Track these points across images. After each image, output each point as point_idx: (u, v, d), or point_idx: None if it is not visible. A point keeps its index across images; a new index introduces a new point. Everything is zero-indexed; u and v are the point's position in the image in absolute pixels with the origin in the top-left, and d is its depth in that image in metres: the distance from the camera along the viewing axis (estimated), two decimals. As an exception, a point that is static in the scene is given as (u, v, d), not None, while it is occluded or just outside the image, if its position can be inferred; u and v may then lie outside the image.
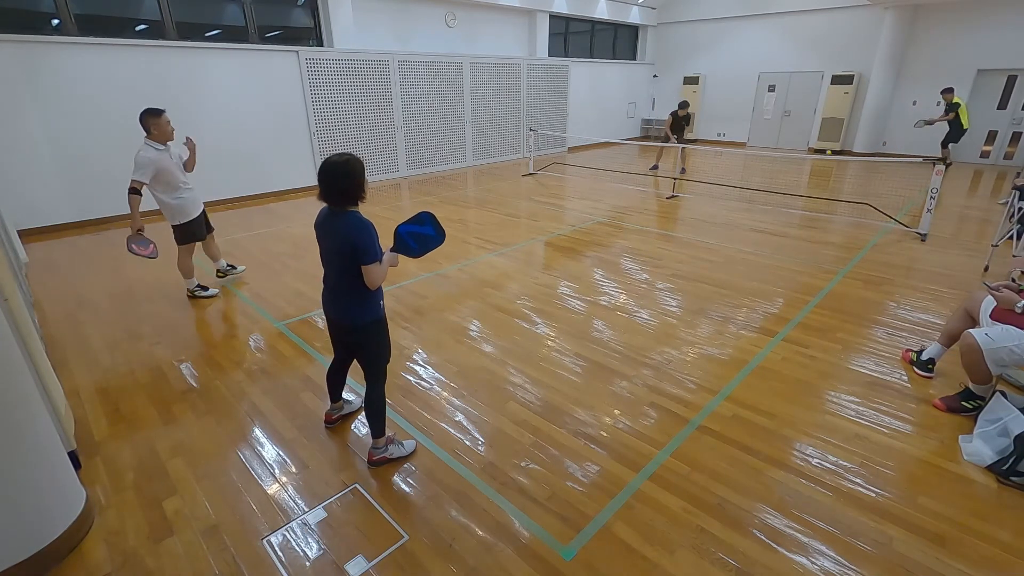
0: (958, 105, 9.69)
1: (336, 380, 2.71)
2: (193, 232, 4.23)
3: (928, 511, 2.18)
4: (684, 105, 10.30)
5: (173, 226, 4.21)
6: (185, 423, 2.78)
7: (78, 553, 2.01)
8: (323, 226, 2.25)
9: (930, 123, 9.97)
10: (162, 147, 4.06)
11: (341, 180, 2.16)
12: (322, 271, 2.35)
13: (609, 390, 3.05)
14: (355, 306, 2.28)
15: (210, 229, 4.50)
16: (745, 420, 2.76)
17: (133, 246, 4.01)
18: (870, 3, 11.38)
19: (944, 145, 10.11)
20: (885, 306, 4.19)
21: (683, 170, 10.41)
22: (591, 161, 12.00)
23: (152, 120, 3.97)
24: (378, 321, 2.34)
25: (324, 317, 2.67)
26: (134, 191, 3.89)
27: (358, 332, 2.33)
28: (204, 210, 4.34)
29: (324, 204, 2.22)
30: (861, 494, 2.27)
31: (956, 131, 9.93)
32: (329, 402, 2.77)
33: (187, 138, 4.35)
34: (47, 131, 6.26)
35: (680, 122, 10.30)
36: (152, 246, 4.08)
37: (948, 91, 9.91)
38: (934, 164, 5.75)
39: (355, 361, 2.54)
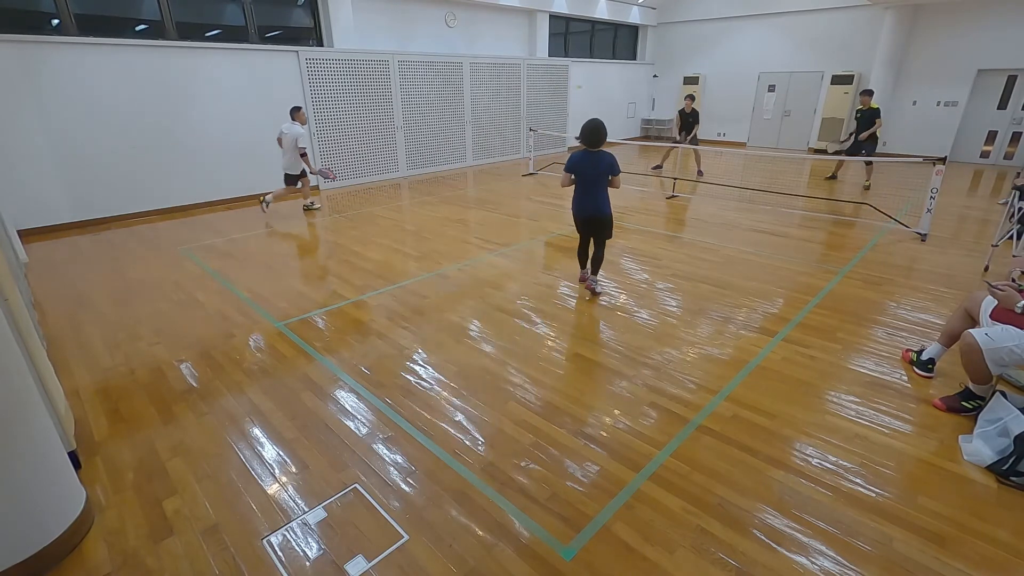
0: (879, 112, 8.35)
1: (585, 253, 4.42)
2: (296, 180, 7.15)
3: (928, 511, 2.18)
4: (689, 98, 9.76)
5: (289, 175, 7.07)
6: (185, 423, 2.78)
7: (78, 553, 2.00)
8: (584, 160, 3.99)
9: (843, 141, 8.75)
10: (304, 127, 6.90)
11: (601, 132, 3.91)
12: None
13: (609, 390, 3.05)
14: (605, 204, 4.08)
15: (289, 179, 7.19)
16: (745, 420, 2.76)
17: (325, 171, 7.31)
18: (870, 3, 11.39)
19: (868, 162, 8.47)
20: (885, 306, 4.19)
21: (700, 172, 10.12)
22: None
23: (299, 113, 6.86)
24: (611, 214, 4.14)
25: (573, 219, 4.29)
26: (304, 152, 6.87)
27: (604, 218, 4.11)
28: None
29: (582, 148, 3.99)
30: (861, 494, 2.27)
31: (873, 142, 8.51)
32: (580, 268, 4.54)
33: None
34: (47, 131, 6.26)
35: (687, 119, 9.80)
36: (332, 172, 7.38)
37: (868, 93, 8.45)
38: (934, 164, 5.75)
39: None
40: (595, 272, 4.32)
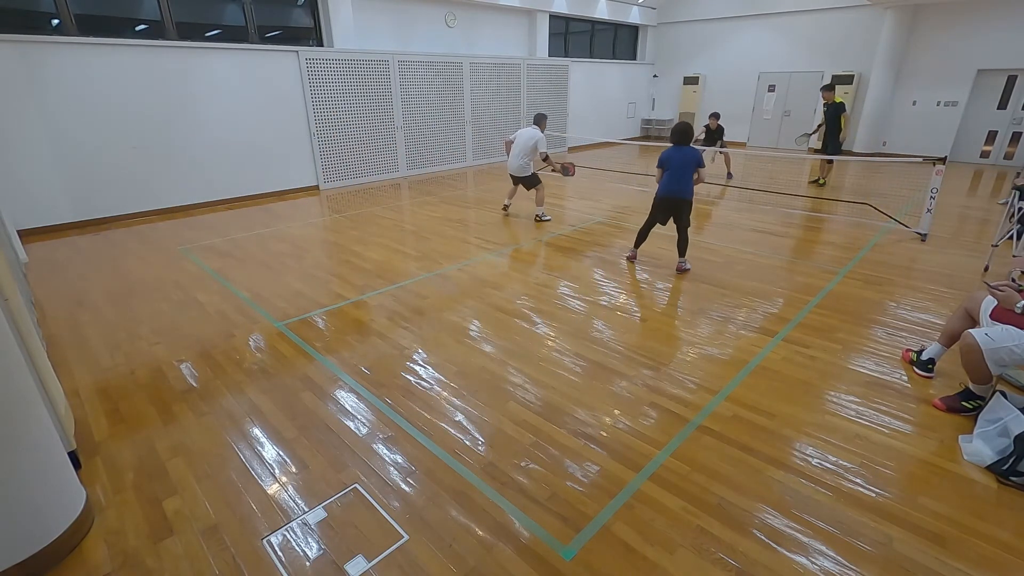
0: (843, 106, 8.15)
1: (645, 236, 5.16)
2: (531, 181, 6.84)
3: (928, 511, 2.18)
4: (714, 116, 9.58)
5: (533, 175, 6.82)
6: (185, 423, 2.78)
7: (78, 553, 2.00)
8: (676, 153, 4.74)
9: (811, 135, 8.77)
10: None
11: (688, 133, 4.79)
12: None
13: (609, 390, 3.05)
14: (689, 190, 4.76)
15: (521, 182, 6.93)
16: (745, 420, 2.76)
17: (569, 167, 6.98)
18: (870, 3, 11.39)
19: (829, 160, 8.50)
20: (885, 306, 4.19)
21: (730, 175, 10.02)
22: (591, 161, 12.01)
23: (544, 120, 6.71)
24: (692, 200, 4.83)
25: (654, 200, 4.98)
26: (546, 156, 6.61)
27: (686, 202, 4.78)
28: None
29: (671, 146, 4.83)
30: (861, 494, 2.27)
31: (834, 139, 8.28)
32: (633, 247, 5.27)
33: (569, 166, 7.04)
34: (47, 131, 6.26)
35: (712, 135, 9.72)
36: (572, 167, 7.06)
37: (829, 88, 8.13)
38: (934, 164, 5.75)
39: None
40: (683, 255, 4.98)
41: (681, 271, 4.94)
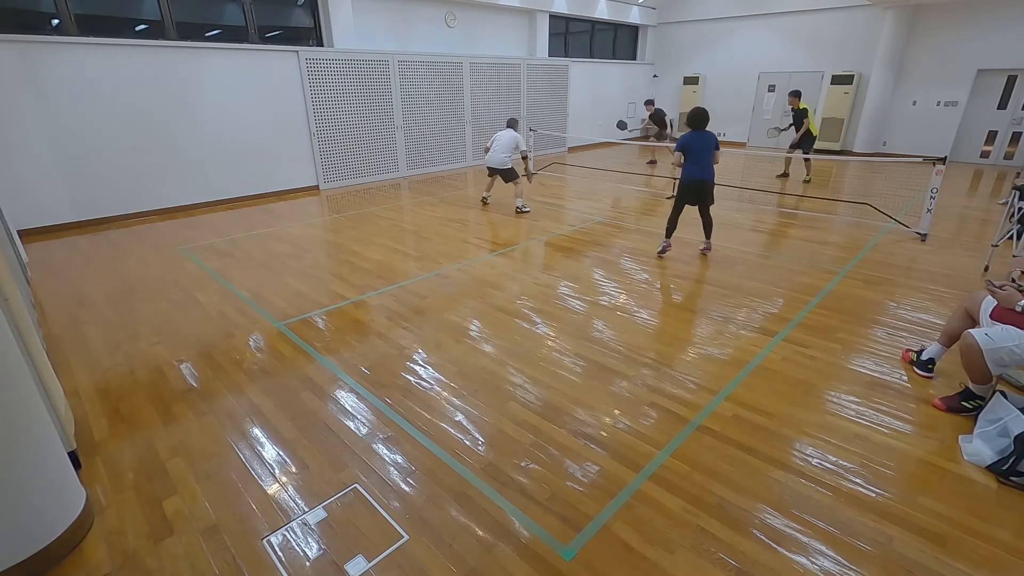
0: (806, 112, 8.85)
1: (675, 224, 5.34)
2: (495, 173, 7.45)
3: (928, 511, 2.18)
4: (648, 103, 10.74)
5: (512, 169, 7.27)
6: (185, 423, 2.78)
7: (78, 553, 2.00)
8: (695, 139, 5.00)
9: (781, 130, 9.88)
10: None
11: (704, 117, 5.02)
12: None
13: (609, 390, 3.05)
14: (711, 171, 5.04)
15: (500, 174, 7.31)
16: (745, 420, 2.76)
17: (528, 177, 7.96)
18: (870, 3, 11.39)
19: (806, 158, 9.10)
20: (885, 306, 4.19)
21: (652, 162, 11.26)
22: (591, 161, 12.01)
23: (516, 123, 7.42)
24: (714, 180, 5.09)
25: (680, 187, 5.23)
26: (526, 155, 7.35)
27: (710, 182, 5.06)
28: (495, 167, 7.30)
29: (690, 131, 5.08)
30: (861, 494, 2.27)
31: (808, 140, 9.03)
32: (665, 239, 5.46)
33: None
34: (47, 131, 6.26)
35: (653, 119, 11.05)
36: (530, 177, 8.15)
37: (795, 95, 9.01)
38: (934, 164, 5.75)
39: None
40: (709, 237, 5.39)
41: (706, 252, 5.38)
